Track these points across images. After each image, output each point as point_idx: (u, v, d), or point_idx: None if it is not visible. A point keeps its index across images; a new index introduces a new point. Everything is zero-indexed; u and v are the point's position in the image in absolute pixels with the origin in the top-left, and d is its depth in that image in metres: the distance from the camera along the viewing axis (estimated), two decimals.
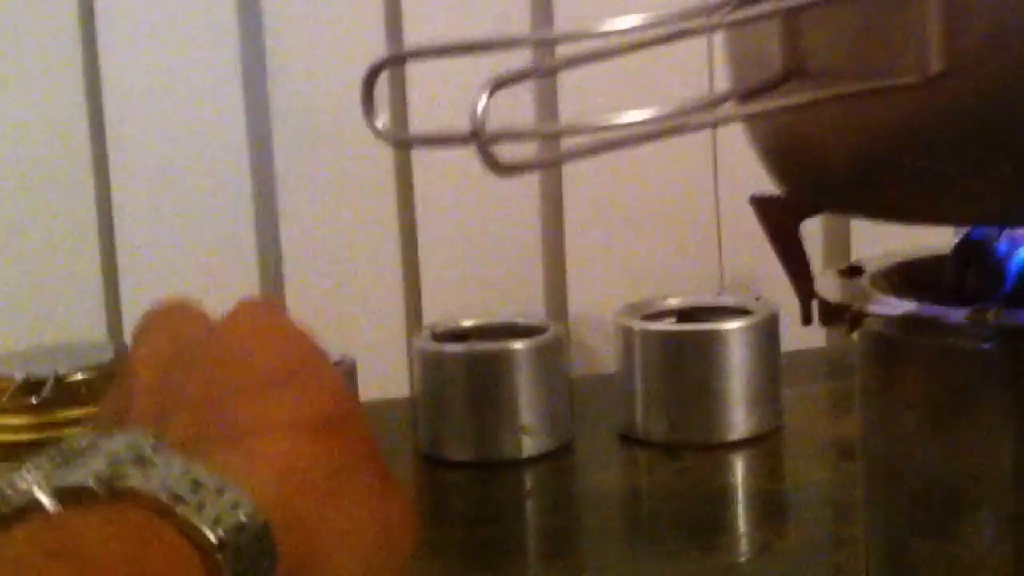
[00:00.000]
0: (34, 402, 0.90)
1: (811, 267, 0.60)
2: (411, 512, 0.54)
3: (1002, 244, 0.56)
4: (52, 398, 0.90)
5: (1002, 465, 0.55)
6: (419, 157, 1.17)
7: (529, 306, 1.19)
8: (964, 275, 0.57)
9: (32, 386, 0.90)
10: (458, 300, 1.17)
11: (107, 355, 0.95)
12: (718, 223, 1.20)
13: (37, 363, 0.93)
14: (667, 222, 1.20)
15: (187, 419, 0.51)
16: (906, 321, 0.56)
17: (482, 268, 1.19)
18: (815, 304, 0.60)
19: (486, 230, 1.19)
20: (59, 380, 0.91)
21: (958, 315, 0.53)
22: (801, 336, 1.17)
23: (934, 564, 0.58)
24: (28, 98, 1.14)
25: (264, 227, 1.18)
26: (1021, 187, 0.50)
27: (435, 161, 1.17)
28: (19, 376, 0.91)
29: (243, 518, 0.46)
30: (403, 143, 0.61)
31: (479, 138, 0.44)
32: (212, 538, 0.44)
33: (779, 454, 0.96)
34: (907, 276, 0.61)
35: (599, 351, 1.18)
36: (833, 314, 0.58)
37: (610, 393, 1.03)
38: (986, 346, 0.54)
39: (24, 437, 0.90)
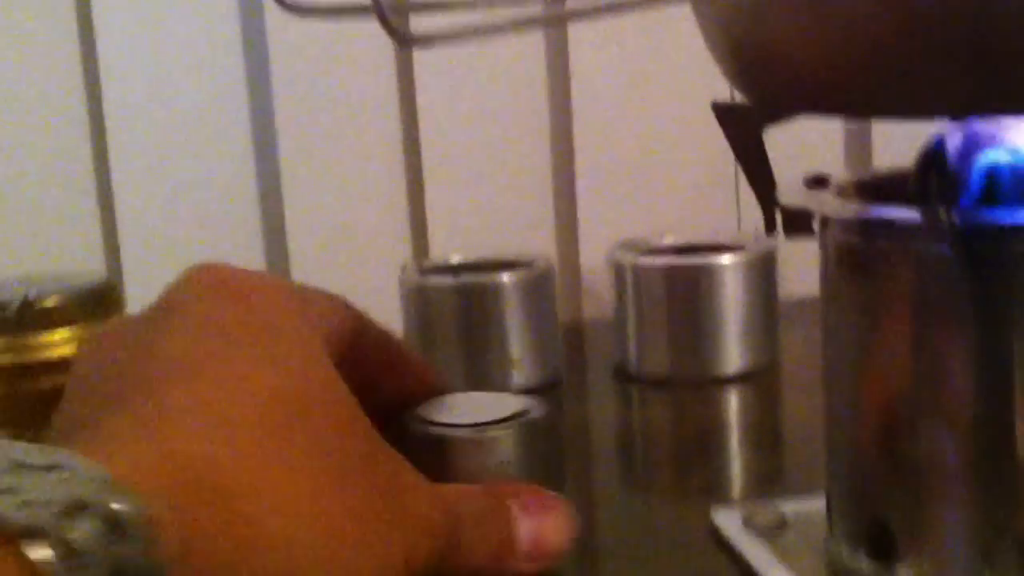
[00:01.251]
0: (5, 322, 0.86)
1: (773, 175, 0.58)
2: (428, 511, 0.50)
3: (963, 149, 0.53)
4: (20, 320, 0.87)
5: (961, 369, 0.53)
6: (424, 95, 1.15)
7: (538, 248, 1.16)
8: (927, 183, 0.55)
9: (2, 309, 0.86)
10: (465, 242, 1.15)
11: (86, 281, 0.91)
12: (736, 167, 1.17)
13: (9, 287, 0.89)
14: (683, 163, 1.18)
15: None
16: (864, 226, 0.54)
17: (490, 210, 1.17)
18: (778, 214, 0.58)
19: (494, 172, 1.17)
20: (28, 303, 0.87)
21: (916, 218, 0.51)
22: (807, 285, 1.16)
23: (893, 471, 0.56)
24: (24, 52, 1.12)
25: (264, 163, 1.17)
26: (987, 74, 0.48)
27: (442, 99, 1.14)
28: None
29: (81, 496, 0.37)
30: (298, 9, 0.59)
31: (379, 5, 0.41)
32: (14, 521, 0.36)
33: (773, 390, 0.94)
34: (872, 187, 0.59)
35: (605, 298, 1.16)
36: (795, 221, 0.56)
37: (607, 333, 1.01)
38: (944, 248, 0.51)
39: None
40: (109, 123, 1.13)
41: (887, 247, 0.53)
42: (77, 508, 0.36)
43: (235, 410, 0.44)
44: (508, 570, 0.54)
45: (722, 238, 1.01)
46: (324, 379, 0.48)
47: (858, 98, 0.52)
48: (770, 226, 0.58)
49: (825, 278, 0.57)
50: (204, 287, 0.50)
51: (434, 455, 0.62)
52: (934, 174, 0.53)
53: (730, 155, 1.14)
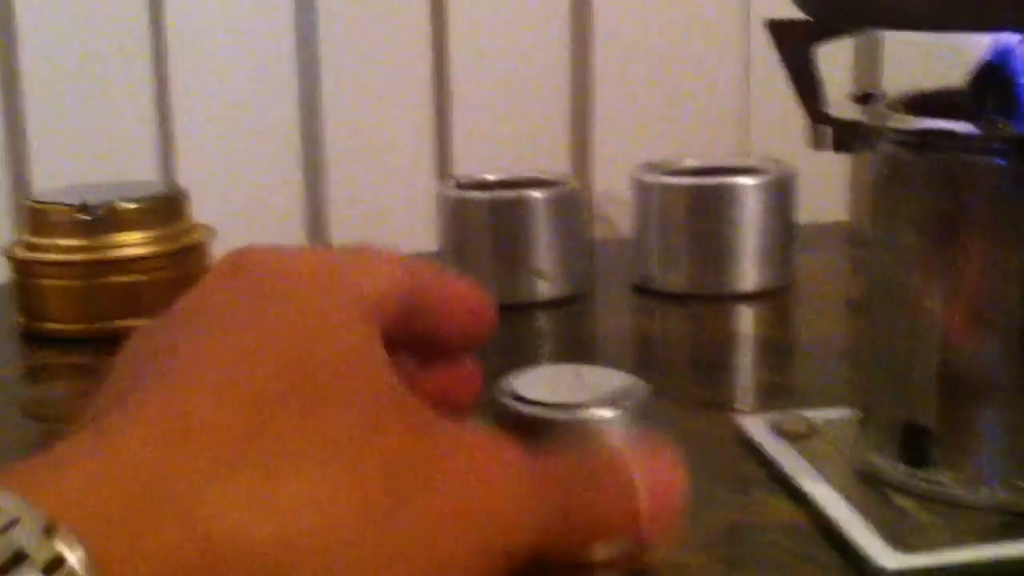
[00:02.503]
0: (84, 223, 0.89)
1: (824, 92, 0.55)
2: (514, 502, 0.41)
3: (1020, 64, 0.51)
4: (103, 223, 0.89)
5: (1011, 280, 0.51)
6: (453, 22, 1.13)
7: (555, 165, 1.15)
8: (983, 99, 0.52)
9: (85, 211, 0.89)
10: (487, 157, 1.13)
11: (157, 190, 0.94)
12: (748, 85, 1.15)
13: (92, 194, 0.91)
14: (695, 88, 1.15)
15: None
16: (918, 137, 0.51)
17: (511, 133, 1.15)
18: (826, 129, 0.55)
19: (516, 97, 1.14)
20: (111, 207, 0.89)
21: (971, 129, 0.48)
22: (825, 208, 1.14)
23: (935, 378, 0.54)
24: None
25: (306, 86, 1.14)
26: None
27: (468, 26, 1.13)
28: (76, 201, 0.89)
29: (21, 546, 0.32)
30: None
31: None
32: None
33: (788, 307, 0.92)
34: (921, 103, 0.56)
35: (623, 218, 1.14)
36: (846, 134, 0.53)
37: (628, 251, 0.99)
38: (999, 161, 0.49)
39: (77, 258, 0.89)
40: (169, 49, 1.11)
41: (943, 160, 0.51)
42: (18, 559, 0.32)
43: (207, 413, 0.37)
44: (634, 535, 0.46)
45: (742, 161, 0.99)
46: (349, 363, 0.41)
47: (917, 12, 0.49)
48: (817, 142, 0.55)
49: (874, 191, 0.54)
50: (230, 275, 0.45)
51: (527, 438, 0.50)
52: (992, 87, 0.50)
53: (743, 79, 1.14)
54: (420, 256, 1.04)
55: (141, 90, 1.12)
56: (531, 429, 0.53)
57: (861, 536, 0.52)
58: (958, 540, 0.51)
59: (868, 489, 0.56)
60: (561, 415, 0.53)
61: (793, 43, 0.55)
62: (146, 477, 0.35)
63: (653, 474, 0.46)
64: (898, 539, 0.51)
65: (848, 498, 0.56)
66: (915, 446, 0.55)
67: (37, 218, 0.90)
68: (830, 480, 0.58)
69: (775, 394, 0.76)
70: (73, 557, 0.32)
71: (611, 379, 0.56)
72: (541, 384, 0.56)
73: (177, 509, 0.34)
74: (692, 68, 1.15)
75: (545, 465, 0.44)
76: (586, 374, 0.57)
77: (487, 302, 0.54)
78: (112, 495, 0.34)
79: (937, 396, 0.54)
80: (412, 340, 0.49)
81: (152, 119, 1.12)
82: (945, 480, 0.54)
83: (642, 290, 0.96)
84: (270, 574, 0.35)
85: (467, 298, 0.53)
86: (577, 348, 0.88)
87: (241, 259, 0.45)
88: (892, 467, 0.56)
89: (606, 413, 0.53)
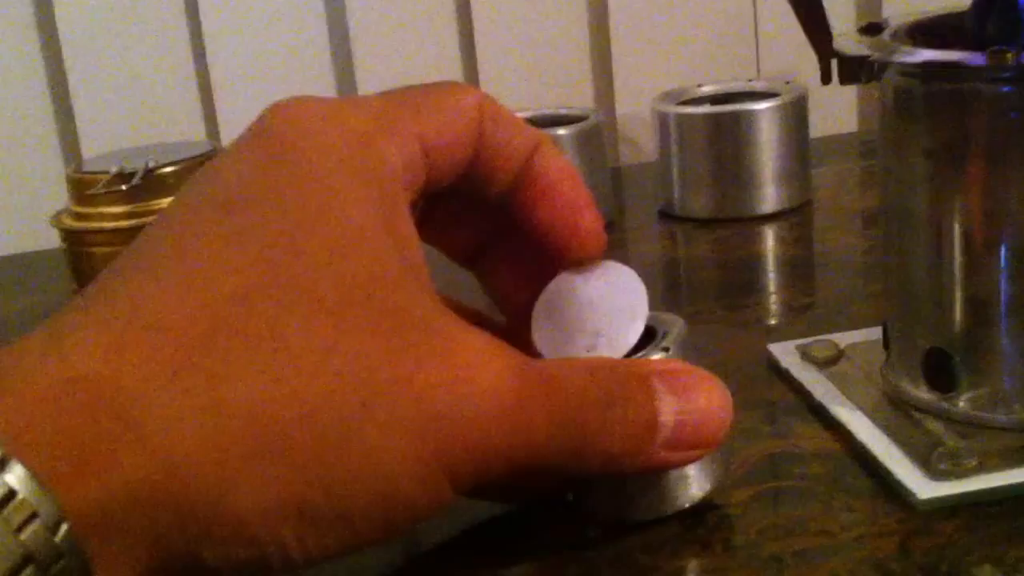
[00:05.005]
0: (124, 190, 0.86)
1: (829, 26, 0.53)
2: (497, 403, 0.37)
3: None
4: (143, 187, 0.86)
5: (1015, 205, 0.48)
6: None
7: (578, 97, 1.13)
8: (984, 26, 0.49)
9: (125, 177, 0.86)
10: (513, 93, 1.10)
11: (199, 150, 0.90)
12: (755, 9, 1.13)
13: (132, 158, 0.88)
14: (705, 17, 1.13)
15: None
16: (925, 68, 0.49)
17: (534, 66, 1.13)
18: (835, 63, 0.52)
19: (537, 32, 1.12)
20: (149, 171, 0.87)
21: (977, 59, 0.46)
22: (834, 121, 1.11)
23: (956, 303, 0.51)
24: None
25: (335, 38, 1.12)
26: None
27: None
28: (113, 168, 0.87)
29: None
30: None
31: None
32: None
33: (808, 225, 0.90)
34: (926, 31, 0.53)
35: (643, 143, 1.12)
36: (853, 68, 0.51)
37: (651, 177, 0.97)
38: (1006, 88, 0.46)
39: (120, 224, 0.86)
40: (203, 12, 1.09)
41: (949, 89, 0.48)
42: None
43: (165, 311, 0.34)
44: (651, 459, 0.42)
45: (755, 85, 0.97)
46: (338, 250, 0.37)
47: None
48: (826, 76, 0.53)
49: (883, 122, 0.52)
50: (254, 140, 0.40)
51: None
52: (995, 16, 0.47)
53: (750, 9, 1.11)
54: None
55: (180, 52, 1.10)
56: None
57: (894, 463, 0.50)
58: (985, 464, 0.49)
59: (898, 414, 0.54)
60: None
61: None
62: (94, 389, 0.32)
63: (686, 397, 0.42)
64: (929, 465, 0.49)
65: (879, 424, 0.53)
66: (939, 371, 0.52)
67: (80, 187, 0.88)
68: (861, 406, 0.55)
69: (801, 314, 0.73)
70: (25, 489, 0.30)
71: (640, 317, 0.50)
72: (570, 331, 0.49)
73: (125, 424, 0.32)
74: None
75: (550, 376, 0.39)
76: (611, 310, 0.51)
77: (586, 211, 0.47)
78: (61, 411, 0.32)
79: (957, 321, 0.51)
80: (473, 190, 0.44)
81: (192, 79, 1.10)
82: (970, 403, 0.52)
83: (667, 215, 0.94)
84: (214, 491, 0.33)
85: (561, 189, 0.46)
86: None
87: (272, 120, 0.40)
88: (919, 391, 0.54)
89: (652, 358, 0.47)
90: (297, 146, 0.39)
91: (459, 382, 0.37)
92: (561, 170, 0.46)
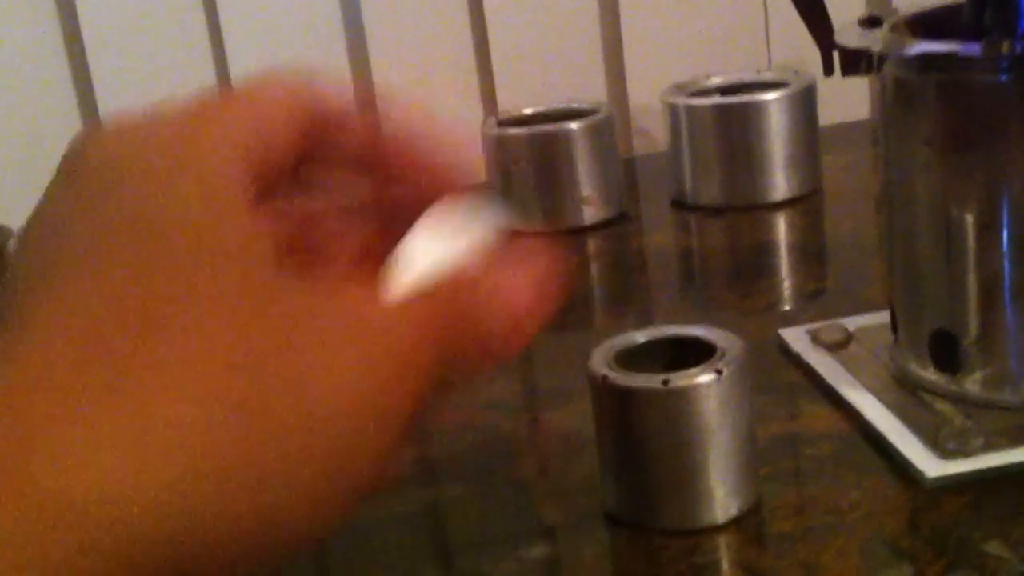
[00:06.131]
0: None
1: (830, 20, 0.53)
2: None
3: None
4: None
5: (1015, 191, 0.49)
6: None
7: (590, 90, 1.13)
8: (980, 17, 0.50)
9: None
10: (526, 86, 1.11)
11: None
12: (764, 3, 1.13)
13: None
14: (714, 5, 1.13)
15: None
16: (923, 59, 0.49)
17: (547, 60, 1.13)
18: (836, 56, 0.53)
19: (549, 27, 1.12)
20: None
21: (974, 50, 0.46)
22: (844, 109, 1.11)
23: (958, 286, 0.52)
24: None
25: (353, 34, 1.12)
26: None
27: None
28: None
29: None
30: None
31: None
32: None
33: (817, 212, 0.90)
34: (924, 23, 0.54)
35: (655, 133, 1.12)
36: (853, 61, 0.51)
37: (663, 167, 0.97)
38: (1002, 78, 0.47)
39: None
40: (222, 17, 1.09)
41: (947, 79, 0.49)
42: None
43: (34, 352, 0.33)
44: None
45: (763, 76, 0.97)
46: (189, 252, 0.36)
47: None
48: (828, 69, 0.53)
49: (884, 111, 0.52)
50: (70, 179, 0.39)
51: (619, 410, 0.48)
52: (991, 6, 0.48)
53: (759, 1, 1.11)
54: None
55: (199, 48, 1.11)
56: (626, 401, 0.48)
57: (902, 443, 0.51)
58: (992, 443, 0.50)
59: (906, 394, 0.55)
60: (649, 384, 0.47)
61: None
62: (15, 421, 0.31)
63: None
64: (937, 445, 0.50)
65: (888, 404, 0.54)
66: (946, 352, 0.53)
67: None
68: (870, 387, 0.56)
69: (812, 299, 0.74)
70: None
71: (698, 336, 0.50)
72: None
73: (6, 470, 0.30)
74: None
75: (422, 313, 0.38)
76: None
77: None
78: None
79: (962, 303, 0.52)
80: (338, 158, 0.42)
81: (213, 80, 1.11)
82: (977, 383, 0.53)
83: (679, 204, 0.94)
84: (97, 532, 0.31)
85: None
86: (624, 266, 0.87)
87: (79, 152, 0.39)
88: (927, 373, 0.55)
89: (704, 378, 0.47)
90: (117, 169, 0.37)
91: (343, 345, 0.36)
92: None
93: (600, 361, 0.49)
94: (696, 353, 0.49)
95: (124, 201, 0.36)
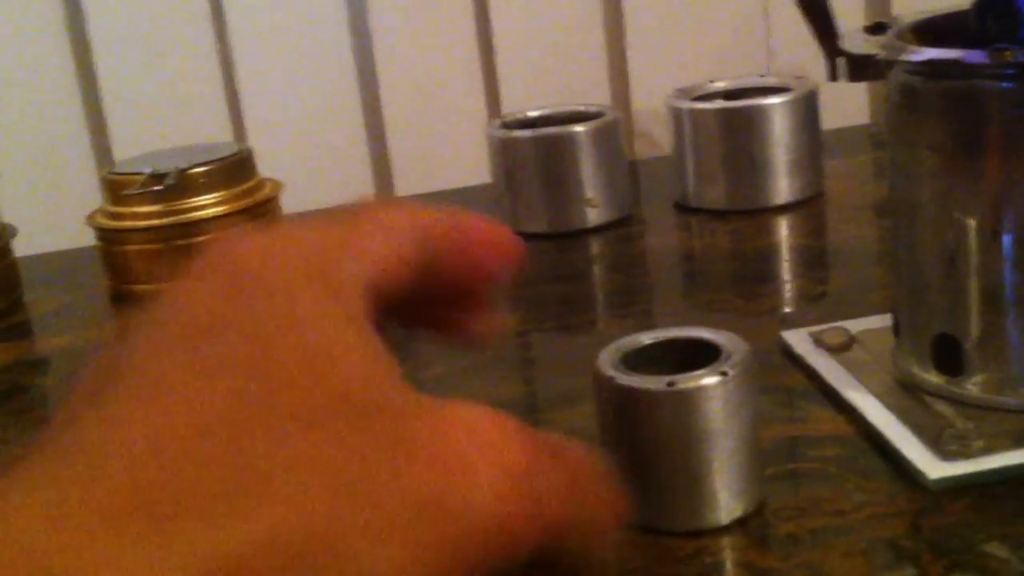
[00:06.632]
0: (157, 191, 0.88)
1: (836, 26, 0.54)
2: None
3: None
4: (175, 188, 0.88)
5: (1018, 196, 0.50)
6: None
7: (594, 94, 1.13)
8: (984, 24, 0.50)
9: (158, 178, 0.88)
10: (531, 91, 1.12)
11: (228, 151, 0.92)
12: (766, 12, 1.13)
13: (164, 160, 0.90)
14: (718, 10, 1.13)
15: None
16: (928, 66, 0.50)
17: (552, 64, 1.13)
18: (842, 62, 0.53)
19: (554, 32, 1.13)
20: (181, 172, 0.88)
21: (979, 57, 0.47)
22: (846, 114, 1.12)
23: (961, 289, 0.53)
24: None
25: (359, 36, 1.13)
26: None
27: None
28: (147, 170, 0.89)
29: None
30: None
31: None
32: None
33: (820, 215, 0.91)
34: (930, 30, 0.54)
35: (659, 137, 1.13)
36: (859, 67, 0.52)
37: (666, 171, 0.98)
38: (1006, 85, 0.47)
39: (153, 223, 0.89)
40: (228, 15, 1.10)
41: (953, 86, 0.49)
42: None
43: (121, 460, 0.31)
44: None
45: (766, 80, 0.97)
46: (307, 365, 0.35)
47: None
48: (833, 74, 0.53)
49: (890, 117, 0.53)
50: (204, 275, 0.38)
51: (625, 411, 0.48)
52: (995, 15, 0.48)
53: (761, 5, 1.12)
54: (475, 189, 1.05)
55: (207, 57, 1.11)
56: (627, 401, 0.48)
57: (905, 445, 0.51)
58: (994, 445, 0.50)
59: (908, 397, 0.55)
60: (654, 386, 0.48)
61: None
62: (30, 562, 0.29)
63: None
64: (939, 447, 0.50)
65: (890, 407, 0.55)
66: (948, 356, 0.53)
67: (114, 188, 0.89)
68: (872, 390, 0.56)
69: (814, 302, 0.74)
70: None
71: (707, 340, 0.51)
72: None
73: None
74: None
75: (557, 445, 0.36)
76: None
77: (511, 241, 0.45)
78: None
79: (964, 308, 0.52)
80: (438, 289, 0.43)
81: (218, 81, 1.12)
82: (978, 386, 0.53)
83: (682, 207, 0.95)
84: None
85: (490, 240, 0.45)
86: (628, 268, 0.87)
87: (218, 253, 0.38)
88: (929, 375, 0.55)
89: (709, 380, 0.47)
90: (251, 274, 0.37)
91: (456, 466, 0.33)
92: (483, 235, 0.45)
93: (606, 362, 0.50)
94: (702, 355, 0.49)
95: (260, 291, 0.36)
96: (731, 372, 0.47)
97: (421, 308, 0.43)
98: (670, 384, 0.47)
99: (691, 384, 0.47)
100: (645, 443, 0.48)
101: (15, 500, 0.30)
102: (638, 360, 0.50)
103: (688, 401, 0.47)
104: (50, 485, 0.31)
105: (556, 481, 0.35)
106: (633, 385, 0.48)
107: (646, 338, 0.52)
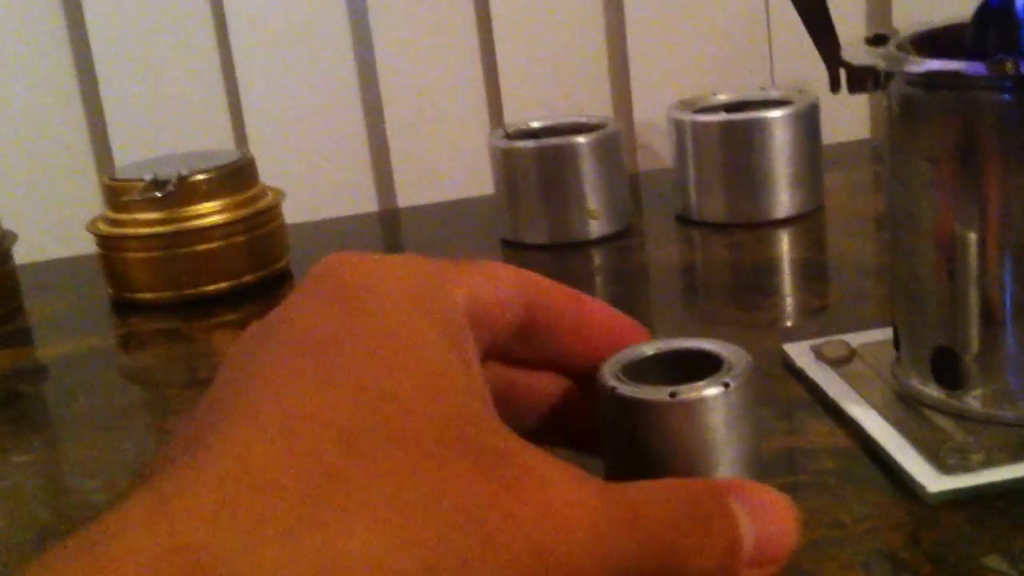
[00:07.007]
0: (158, 197, 0.88)
1: (837, 38, 0.54)
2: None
3: (1021, 4, 0.49)
4: (176, 194, 0.88)
5: (1017, 209, 0.49)
6: None
7: (596, 105, 1.14)
8: (985, 37, 0.50)
9: (158, 185, 0.88)
10: (533, 101, 1.12)
11: (229, 159, 0.92)
12: (768, 18, 1.13)
13: (164, 167, 0.91)
14: (720, 23, 1.13)
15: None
16: (928, 77, 0.50)
17: (553, 76, 1.14)
18: (843, 73, 0.54)
19: (556, 43, 1.13)
20: (182, 179, 0.89)
21: (978, 69, 0.47)
22: (847, 128, 1.12)
23: (959, 303, 0.53)
24: None
25: (361, 47, 1.12)
26: None
27: None
28: (147, 176, 0.89)
29: None
30: None
31: None
32: None
33: (820, 229, 0.91)
34: (930, 42, 0.54)
35: (660, 149, 1.13)
36: (859, 78, 0.52)
37: (668, 183, 0.98)
38: (1006, 97, 0.47)
39: (154, 229, 0.89)
40: (230, 23, 1.10)
41: (952, 97, 0.49)
42: None
43: (268, 468, 0.32)
44: None
45: (768, 93, 0.97)
46: (425, 391, 0.35)
47: None
48: (835, 85, 0.54)
49: (890, 128, 0.53)
50: (318, 286, 0.39)
51: (627, 421, 0.46)
52: (995, 27, 0.48)
53: (763, 18, 1.12)
54: (478, 199, 1.05)
55: (208, 62, 1.11)
56: (630, 412, 0.46)
57: (904, 458, 0.51)
58: (993, 459, 0.50)
59: (908, 410, 0.55)
60: (657, 396, 0.46)
61: None
62: (204, 560, 0.30)
63: (763, 517, 0.39)
64: (938, 460, 0.50)
65: (890, 420, 0.55)
66: (947, 369, 0.53)
67: (115, 195, 0.90)
68: (872, 403, 0.56)
69: (815, 315, 0.74)
70: None
71: (706, 350, 0.49)
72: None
73: None
74: (715, 9, 1.13)
75: (635, 502, 0.37)
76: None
77: (633, 330, 0.47)
78: None
79: (963, 320, 0.52)
80: (531, 354, 0.44)
81: (220, 89, 1.12)
82: (978, 400, 0.53)
83: (684, 220, 0.95)
84: None
85: (609, 324, 0.46)
86: (628, 280, 0.87)
87: (331, 268, 0.39)
88: (929, 389, 0.55)
89: (711, 391, 0.46)
90: (366, 291, 0.38)
91: (557, 515, 0.34)
92: (606, 316, 0.47)
93: (608, 373, 0.49)
94: (704, 367, 0.49)
95: (375, 312, 0.37)
96: (733, 383, 0.47)
97: (518, 363, 0.44)
98: (672, 395, 0.47)
99: (693, 395, 0.47)
100: (646, 453, 0.48)
101: (183, 502, 0.31)
102: (640, 371, 0.50)
103: (690, 411, 0.47)
104: (213, 487, 0.31)
105: (634, 534, 0.36)
106: (635, 396, 0.48)
107: (648, 349, 0.51)
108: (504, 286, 0.42)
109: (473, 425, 0.35)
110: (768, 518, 0.40)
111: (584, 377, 0.46)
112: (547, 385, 0.46)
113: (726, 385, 0.46)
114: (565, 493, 0.35)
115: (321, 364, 0.35)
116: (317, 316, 0.37)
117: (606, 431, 0.49)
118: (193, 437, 0.34)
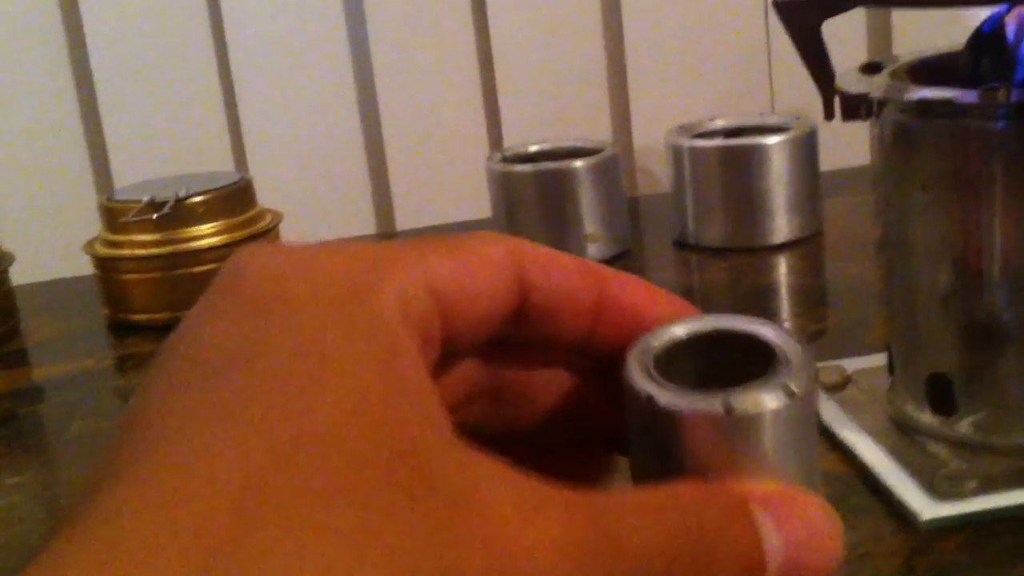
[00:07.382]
0: (155, 219, 0.88)
1: (832, 65, 0.54)
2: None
3: (1012, 32, 0.49)
4: (173, 216, 0.89)
5: (1010, 236, 0.50)
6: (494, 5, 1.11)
7: (595, 130, 1.14)
8: (978, 65, 0.50)
9: (156, 206, 0.89)
10: (532, 125, 1.13)
11: (227, 180, 0.92)
12: (768, 45, 1.14)
13: (163, 188, 0.91)
14: (720, 49, 1.14)
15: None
16: (921, 105, 0.50)
17: (553, 101, 1.14)
18: (837, 100, 0.54)
19: (556, 68, 1.13)
20: (180, 200, 0.89)
21: (971, 97, 0.47)
22: (845, 155, 1.12)
23: (952, 330, 0.53)
24: None
25: (361, 69, 1.13)
26: None
27: (508, 9, 1.11)
28: (145, 198, 0.89)
29: None
30: None
31: None
32: None
33: (818, 254, 0.91)
34: (923, 70, 0.54)
35: (659, 174, 1.13)
36: (853, 105, 0.52)
37: (666, 207, 0.98)
38: (998, 125, 0.47)
39: (151, 251, 0.89)
40: (230, 46, 1.11)
41: (945, 125, 0.49)
42: None
43: (162, 536, 0.27)
44: None
45: (766, 119, 0.98)
46: (346, 427, 0.30)
47: None
48: (829, 113, 0.54)
49: (883, 155, 0.53)
50: (226, 296, 0.33)
51: (665, 433, 0.35)
52: (988, 55, 0.48)
53: (763, 46, 1.12)
54: (478, 223, 1.05)
55: (208, 84, 1.11)
56: (658, 420, 0.35)
57: (898, 485, 0.51)
58: (987, 486, 0.50)
59: (902, 437, 0.55)
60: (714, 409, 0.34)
61: (800, 22, 0.53)
62: None
63: (793, 529, 0.33)
64: (932, 487, 0.50)
65: (884, 446, 0.55)
66: (941, 396, 0.53)
67: (112, 216, 0.90)
68: (866, 429, 0.57)
69: (811, 341, 0.74)
70: None
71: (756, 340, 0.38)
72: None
73: None
74: (716, 35, 1.13)
75: (610, 534, 0.31)
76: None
77: (678, 306, 0.38)
78: None
79: (956, 347, 0.52)
80: (539, 340, 0.37)
81: (220, 110, 1.12)
82: (972, 427, 0.53)
83: (681, 244, 0.95)
84: None
85: (639, 306, 0.38)
86: None
87: (239, 267, 0.33)
88: (923, 415, 0.55)
89: (774, 402, 0.34)
90: (276, 298, 0.32)
91: (507, 562, 0.29)
92: (636, 295, 0.38)
93: (638, 370, 0.36)
94: (751, 354, 0.37)
95: (286, 326, 0.31)
96: (799, 390, 0.35)
97: (524, 353, 0.38)
98: (728, 410, 0.34)
99: (752, 407, 0.34)
100: (686, 469, 0.35)
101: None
102: (671, 359, 0.37)
103: (749, 428, 0.35)
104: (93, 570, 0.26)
105: (611, 567, 0.31)
106: (678, 407, 0.35)
107: (680, 330, 0.39)
108: (483, 271, 0.35)
109: (401, 454, 0.30)
110: (801, 529, 0.33)
111: (607, 368, 0.38)
112: (550, 380, 0.39)
113: (791, 394, 0.34)
114: (519, 534, 0.30)
115: (221, 396, 0.29)
116: (219, 333, 0.31)
117: (635, 437, 0.36)
118: (80, 509, 0.29)
